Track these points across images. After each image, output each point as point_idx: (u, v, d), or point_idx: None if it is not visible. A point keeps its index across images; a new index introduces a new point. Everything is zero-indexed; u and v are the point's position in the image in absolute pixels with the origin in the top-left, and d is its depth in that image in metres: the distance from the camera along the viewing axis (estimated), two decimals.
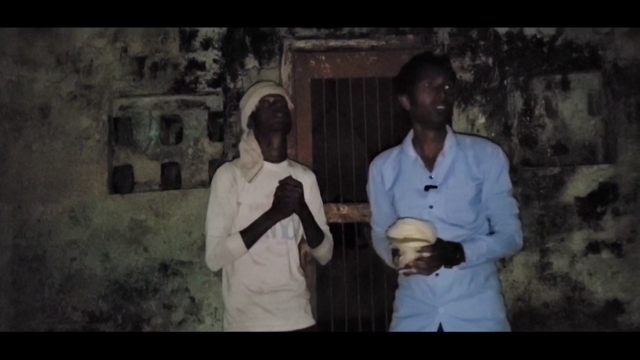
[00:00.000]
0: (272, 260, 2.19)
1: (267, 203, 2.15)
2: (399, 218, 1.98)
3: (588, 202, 2.95)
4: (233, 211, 2.20)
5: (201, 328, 2.93)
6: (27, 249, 2.98)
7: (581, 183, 2.96)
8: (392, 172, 2.15)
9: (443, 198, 2.02)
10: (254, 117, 2.27)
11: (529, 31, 3.04)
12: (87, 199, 2.98)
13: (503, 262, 2.92)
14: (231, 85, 3.04)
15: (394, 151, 2.20)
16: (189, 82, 3.05)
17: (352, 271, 3.39)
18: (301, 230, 2.27)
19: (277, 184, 2.12)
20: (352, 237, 3.43)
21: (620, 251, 2.93)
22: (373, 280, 3.25)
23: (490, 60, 3.04)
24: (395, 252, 1.87)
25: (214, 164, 3.14)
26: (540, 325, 2.91)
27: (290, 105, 2.32)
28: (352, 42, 3.07)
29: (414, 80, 2.05)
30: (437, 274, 1.95)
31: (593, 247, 2.93)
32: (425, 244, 1.82)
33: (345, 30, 3.05)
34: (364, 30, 3.05)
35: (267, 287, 2.17)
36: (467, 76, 3.02)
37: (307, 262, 2.89)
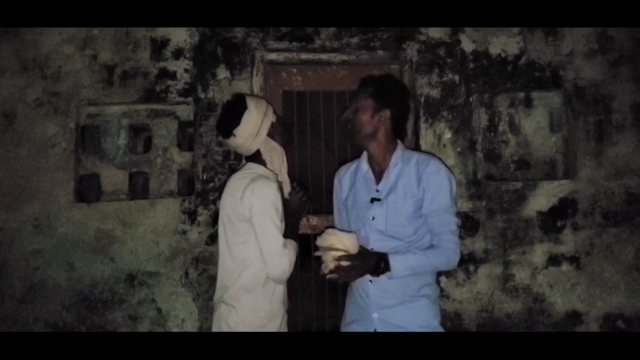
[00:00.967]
0: None
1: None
2: (329, 227, 2.16)
3: (549, 217, 3.05)
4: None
5: None
6: None
7: (542, 198, 3.06)
8: (348, 183, 2.32)
9: (384, 211, 2.14)
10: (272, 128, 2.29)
11: (494, 50, 3.14)
12: (52, 208, 2.93)
13: (468, 274, 3.00)
14: (202, 96, 3.03)
15: (354, 164, 2.35)
16: (160, 91, 3.04)
17: (320, 282, 3.40)
18: None
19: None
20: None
21: (578, 264, 3.03)
22: (341, 292, 3.27)
23: (457, 78, 3.13)
24: (318, 259, 2.07)
25: (183, 174, 3.13)
26: None
27: None
28: (324, 56, 3.12)
29: None
30: (370, 281, 2.11)
31: (553, 260, 3.03)
32: (343, 253, 1.99)
33: (317, 44, 3.09)
34: (335, 44, 3.10)
35: (282, 307, 2.27)
36: (435, 92, 3.10)
37: None
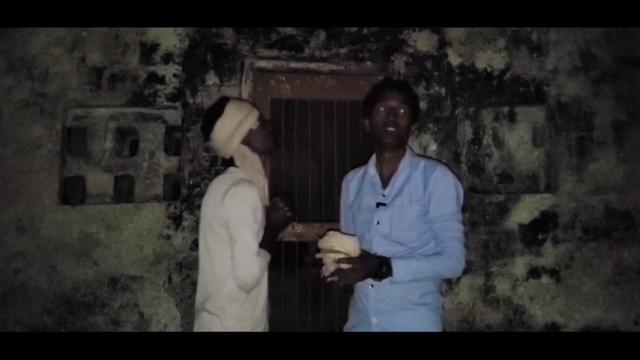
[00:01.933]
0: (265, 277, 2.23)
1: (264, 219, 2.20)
2: (329, 229, 2.12)
3: (530, 229, 3.10)
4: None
5: None
6: None
7: (524, 211, 3.11)
8: (355, 188, 2.31)
9: (388, 216, 2.13)
10: (251, 135, 2.23)
11: (480, 64, 3.19)
12: (36, 209, 2.90)
13: (450, 285, 3.03)
14: (190, 101, 3.04)
15: (362, 169, 2.34)
16: (148, 95, 3.03)
17: (303, 289, 3.42)
18: None
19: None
20: (304, 255, 3.48)
21: (558, 277, 3.09)
22: (324, 298, 3.29)
23: (443, 90, 3.17)
24: (319, 261, 2.05)
25: (169, 178, 3.13)
26: None
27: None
28: (313, 65, 3.14)
29: (372, 104, 2.19)
30: (371, 285, 2.09)
31: (534, 272, 3.08)
32: (343, 256, 1.97)
33: (306, 53, 3.12)
34: (324, 54, 3.13)
35: (264, 316, 2.23)
36: (421, 104, 3.13)
37: None
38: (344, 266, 1.97)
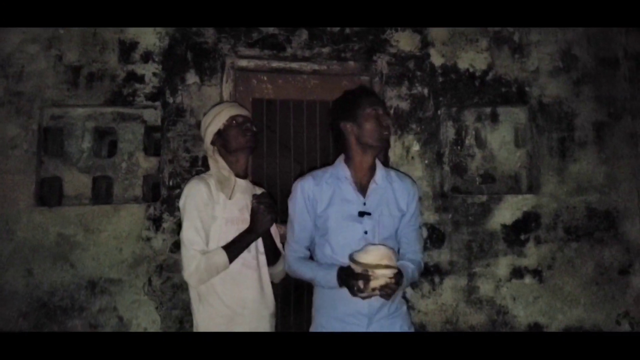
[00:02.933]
0: (249, 276, 2.18)
1: (241, 217, 2.19)
2: (369, 244, 2.02)
3: (513, 230, 3.11)
4: (209, 225, 2.16)
5: None
6: None
7: (507, 211, 3.12)
8: (326, 194, 2.18)
9: (376, 225, 2.14)
10: (220, 135, 2.27)
11: (463, 65, 3.19)
12: (11, 211, 2.83)
13: (433, 286, 3.02)
14: (170, 100, 2.99)
15: (325, 173, 2.22)
16: (127, 95, 2.98)
17: (286, 289, 3.38)
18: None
19: (247, 199, 2.22)
20: None
21: (541, 277, 3.09)
22: (294, 301, 3.26)
23: (425, 91, 3.16)
24: (361, 277, 1.90)
25: (148, 179, 3.07)
26: None
27: (255, 126, 2.33)
28: (295, 65, 3.12)
29: (358, 109, 2.14)
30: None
31: (517, 273, 3.09)
32: (395, 271, 1.90)
33: (288, 52, 3.09)
34: (307, 53, 3.10)
35: (247, 308, 2.16)
36: (404, 105, 3.13)
37: None
38: (393, 280, 1.91)
